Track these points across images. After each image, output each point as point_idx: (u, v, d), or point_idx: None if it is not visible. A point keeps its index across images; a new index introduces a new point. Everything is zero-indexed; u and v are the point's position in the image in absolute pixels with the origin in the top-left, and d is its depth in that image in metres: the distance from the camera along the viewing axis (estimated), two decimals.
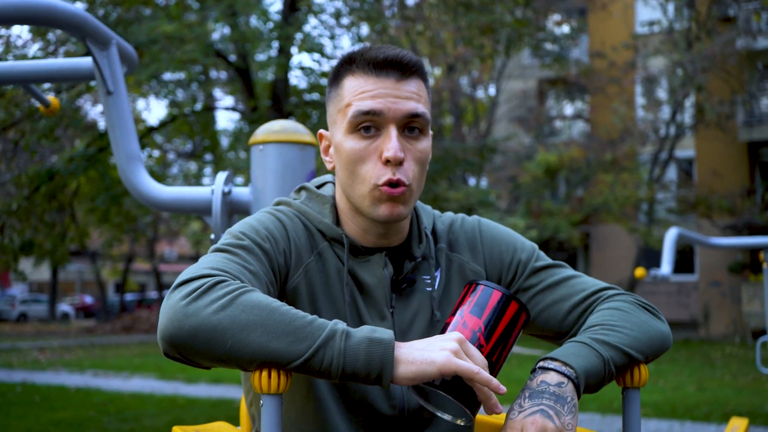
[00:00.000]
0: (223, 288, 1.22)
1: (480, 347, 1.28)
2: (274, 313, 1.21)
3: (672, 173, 25.45)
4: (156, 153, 15.03)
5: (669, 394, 11.29)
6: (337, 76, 1.50)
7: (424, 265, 1.56)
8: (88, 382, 12.95)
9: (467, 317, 1.31)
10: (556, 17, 22.97)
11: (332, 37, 10.26)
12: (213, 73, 15.35)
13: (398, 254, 1.55)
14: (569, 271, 1.63)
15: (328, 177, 1.65)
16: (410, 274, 1.54)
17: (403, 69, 1.44)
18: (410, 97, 1.44)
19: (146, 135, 10.88)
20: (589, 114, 26.44)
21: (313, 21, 10.10)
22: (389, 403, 1.47)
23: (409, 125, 1.45)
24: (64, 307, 38.68)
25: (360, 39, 10.54)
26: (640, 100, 25.02)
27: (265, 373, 1.21)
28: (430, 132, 1.51)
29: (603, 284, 1.59)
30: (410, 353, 1.23)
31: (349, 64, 1.48)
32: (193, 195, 2.24)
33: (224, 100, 18.23)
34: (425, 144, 1.48)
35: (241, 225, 1.46)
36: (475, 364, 1.22)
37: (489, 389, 1.23)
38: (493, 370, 1.31)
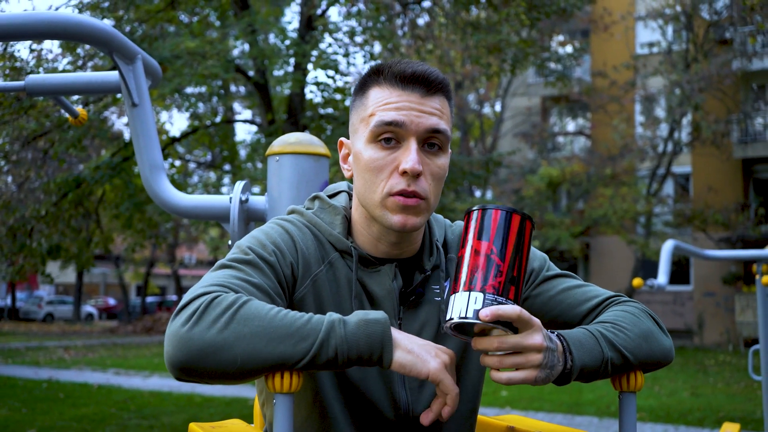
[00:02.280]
0: (221, 303, 1.21)
1: (498, 266, 1.24)
2: (274, 319, 1.20)
3: (669, 188, 25.39)
4: (177, 162, 15.06)
5: (664, 400, 11.23)
6: (363, 86, 1.47)
7: (434, 276, 1.54)
8: (109, 380, 12.97)
9: (475, 244, 1.26)
10: (560, 38, 23.01)
11: (346, 55, 10.28)
12: (233, 88, 15.40)
13: (409, 266, 1.52)
14: (579, 280, 1.61)
15: (342, 185, 1.62)
16: (419, 287, 1.50)
17: (428, 85, 1.41)
18: (433, 112, 1.41)
19: (169, 145, 10.91)
20: (590, 130, 26.41)
21: (328, 39, 10.12)
22: (394, 409, 1.45)
23: (430, 141, 1.42)
24: (88, 308, 38.75)
25: (372, 57, 10.55)
26: (639, 118, 24.99)
27: (277, 375, 1.22)
28: (449, 150, 1.48)
29: (614, 293, 1.57)
30: (410, 344, 1.26)
31: (376, 75, 1.44)
32: (212, 203, 2.25)
33: (243, 113, 18.29)
34: (443, 160, 1.45)
35: (248, 238, 1.44)
36: (455, 386, 1.27)
37: (448, 400, 1.27)
38: (517, 283, 1.27)
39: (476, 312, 1.23)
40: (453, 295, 1.27)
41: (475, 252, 1.26)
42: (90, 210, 10.74)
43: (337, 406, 1.43)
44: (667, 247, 4.94)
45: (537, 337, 1.25)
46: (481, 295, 1.23)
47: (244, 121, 13.41)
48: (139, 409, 9.71)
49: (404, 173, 1.38)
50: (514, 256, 1.25)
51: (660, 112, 24.05)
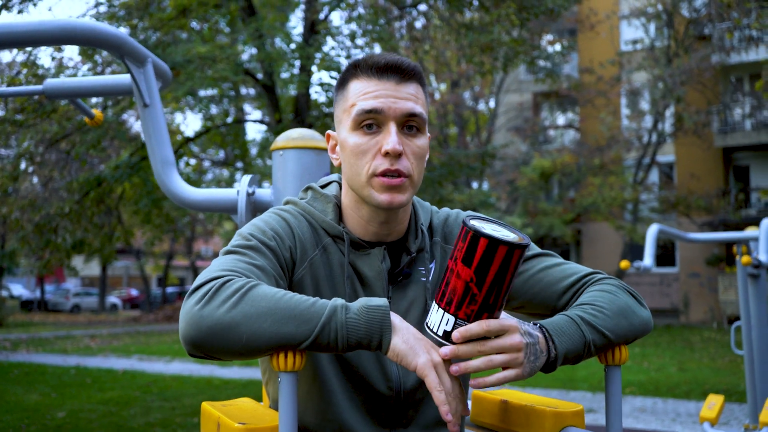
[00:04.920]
0: (231, 286, 1.22)
1: (473, 295, 1.24)
2: (280, 301, 1.21)
3: (654, 176, 25.35)
4: (193, 161, 15.05)
5: (653, 375, 11.23)
6: (343, 81, 1.49)
7: (420, 258, 1.54)
8: (133, 366, 13.01)
9: (460, 267, 1.25)
10: (549, 37, 22.94)
11: (348, 57, 10.25)
12: (243, 90, 15.37)
13: (396, 248, 1.53)
14: (559, 258, 1.60)
15: (333, 177, 1.64)
16: (406, 267, 1.52)
17: (402, 73, 1.43)
18: (408, 98, 1.43)
19: (183, 145, 10.90)
20: (579, 123, 26.36)
21: (330, 42, 10.09)
22: (387, 384, 1.46)
23: (408, 123, 1.43)
24: (112, 299, 38.82)
25: None
26: (625, 111, 24.95)
27: (282, 355, 1.22)
28: (428, 132, 1.50)
29: (591, 269, 1.57)
30: (408, 335, 1.26)
31: (354, 69, 1.47)
32: (221, 196, 2.24)
33: (253, 113, 18.26)
34: (423, 141, 1.46)
35: (249, 226, 1.45)
36: (440, 384, 1.24)
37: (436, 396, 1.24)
38: (492, 311, 1.27)
39: (446, 333, 1.26)
40: (434, 303, 1.30)
41: (457, 275, 1.25)
42: (111, 207, 10.73)
43: (335, 381, 1.44)
44: (652, 231, 4.94)
45: (515, 337, 1.27)
46: (452, 319, 1.26)
47: (254, 121, 13.37)
48: (161, 392, 9.73)
49: (386, 154, 1.40)
50: (493, 286, 1.24)
51: (644, 104, 24.01)
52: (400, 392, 1.47)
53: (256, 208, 2.20)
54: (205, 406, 1.59)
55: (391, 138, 1.40)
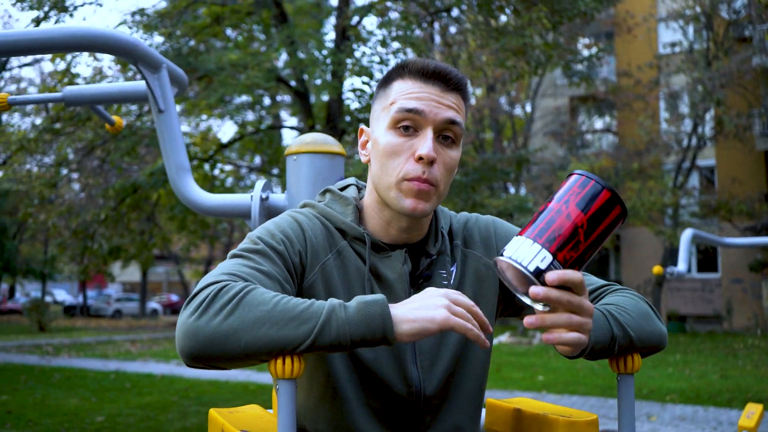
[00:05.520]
0: (227, 293, 1.19)
1: (578, 242, 1.16)
2: (277, 305, 1.18)
3: (694, 180, 24.98)
4: (228, 167, 15.18)
5: (694, 382, 11.03)
6: (387, 79, 1.47)
7: (441, 261, 1.51)
8: (172, 371, 13.12)
9: (572, 209, 1.16)
10: (586, 41, 22.74)
11: (381, 62, 10.25)
12: (279, 97, 15.47)
13: (416, 251, 1.50)
14: None
15: (350, 180, 1.62)
16: (426, 270, 1.49)
17: (447, 81, 1.42)
18: (451, 106, 1.41)
19: (218, 151, 10.97)
20: (617, 127, 26.08)
21: (363, 48, 10.09)
22: (407, 389, 1.42)
23: (445, 132, 1.41)
24: (152, 304, 39.34)
25: None
26: (663, 114, 24.62)
27: (280, 361, 1.19)
28: (461, 146, 1.47)
29: (607, 282, 1.55)
30: (409, 312, 1.21)
31: (401, 69, 1.45)
32: (235, 201, 2.23)
33: (289, 120, 18.38)
34: (456, 153, 1.44)
35: (259, 229, 1.43)
36: (467, 322, 1.20)
37: (477, 333, 1.20)
38: (582, 266, 1.19)
39: (538, 270, 1.15)
40: (521, 237, 1.19)
41: (567, 216, 1.16)
42: (147, 213, 10.86)
43: (350, 387, 1.41)
44: (686, 236, 4.83)
45: (590, 303, 1.21)
46: (550, 258, 1.16)
47: (287, 127, 13.44)
48: (198, 397, 9.80)
49: (420, 159, 1.37)
50: (596, 242, 1.17)
51: (684, 108, 23.66)
52: (420, 397, 1.43)
53: (270, 213, 2.18)
54: (212, 413, 1.58)
55: (426, 143, 1.38)
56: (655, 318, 1.45)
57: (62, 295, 44.18)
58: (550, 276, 1.15)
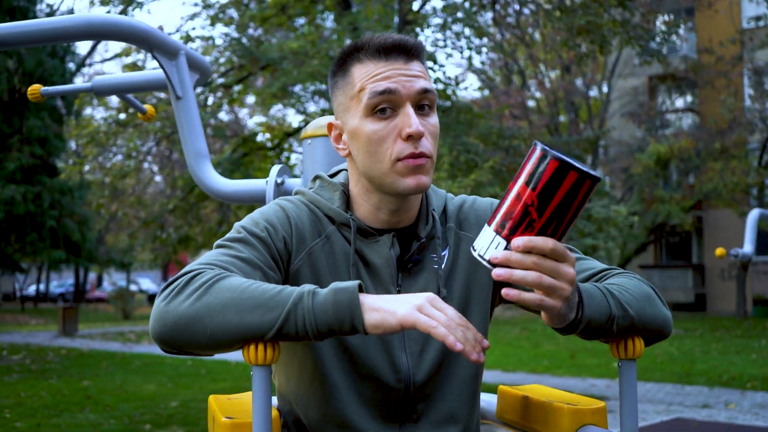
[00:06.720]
0: (199, 279, 1.20)
1: (531, 222, 1.10)
2: (246, 291, 1.16)
3: None
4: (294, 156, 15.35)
5: None
6: (342, 65, 1.42)
7: (432, 244, 1.46)
8: None
9: (521, 188, 1.11)
10: (665, 17, 22.03)
11: (445, 46, 10.15)
12: None
13: (406, 235, 1.46)
14: (579, 253, 1.51)
15: (342, 165, 1.58)
16: (417, 254, 1.44)
17: (408, 52, 1.37)
18: (418, 75, 1.36)
19: (284, 140, 11.07)
20: (698, 106, 25.23)
21: (427, 32, 10.01)
22: (396, 376, 1.39)
23: (421, 102, 1.37)
24: None
25: (470, 49, 10.35)
26: (747, 91, 23.66)
27: (252, 347, 1.17)
28: (436, 110, 1.43)
29: (609, 266, 1.48)
30: (376, 302, 1.17)
31: (356, 52, 1.39)
32: (251, 187, 2.23)
33: None
34: (436, 119, 1.40)
35: (245, 219, 1.42)
36: (433, 320, 1.13)
37: (443, 332, 1.12)
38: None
39: (496, 257, 1.12)
40: (485, 226, 1.16)
41: (517, 197, 1.11)
42: (218, 202, 11.09)
43: (339, 374, 1.38)
44: (753, 217, 4.65)
45: (572, 270, 1.15)
46: (503, 243, 1.12)
47: None
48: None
49: (409, 137, 1.33)
50: (555, 216, 1.10)
51: None
52: (409, 385, 1.39)
53: None
54: (211, 399, 1.59)
55: (412, 120, 1.33)
56: (658, 301, 1.38)
57: (147, 283, 45.56)
58: (515, 242, 1.11)
